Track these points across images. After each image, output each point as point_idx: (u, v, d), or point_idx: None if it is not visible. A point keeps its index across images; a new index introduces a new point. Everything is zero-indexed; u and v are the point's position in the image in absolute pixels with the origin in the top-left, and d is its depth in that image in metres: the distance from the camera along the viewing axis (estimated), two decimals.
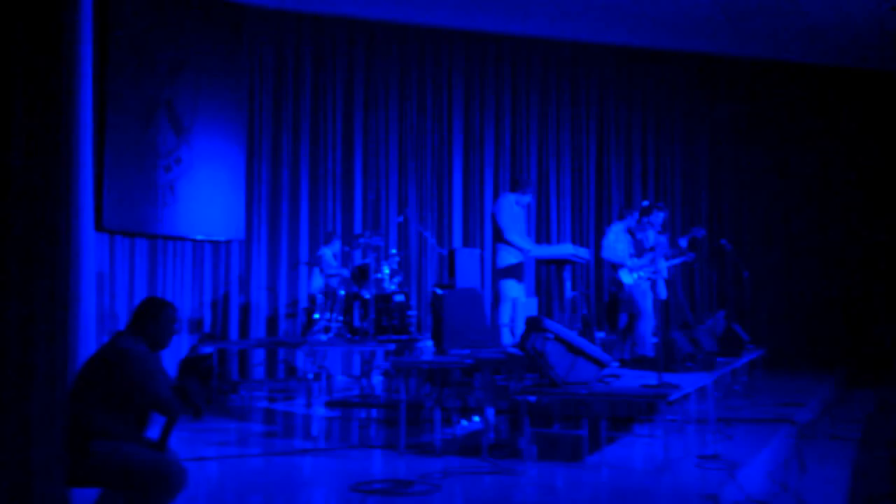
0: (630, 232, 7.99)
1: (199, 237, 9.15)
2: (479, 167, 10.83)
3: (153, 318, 3.48)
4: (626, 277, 7.78)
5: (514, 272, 7.03)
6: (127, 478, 3.28)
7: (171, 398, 3.37)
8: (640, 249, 7.93)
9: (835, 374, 9.91)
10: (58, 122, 2.96)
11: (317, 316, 8.17)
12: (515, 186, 7.48)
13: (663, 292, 8.03)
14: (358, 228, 9.97)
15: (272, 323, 9.81)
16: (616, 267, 7.90)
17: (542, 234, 11.05)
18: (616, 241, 7.86)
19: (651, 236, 8.08)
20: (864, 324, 11.31)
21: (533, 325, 5.10)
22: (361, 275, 8.20)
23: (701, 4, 9.83)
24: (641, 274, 7.79)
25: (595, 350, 5.24)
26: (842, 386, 9.52)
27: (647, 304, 7.76)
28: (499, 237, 7.17)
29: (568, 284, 7.05)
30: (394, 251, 8.89)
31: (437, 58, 10.68)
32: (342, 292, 8.31)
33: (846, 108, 12.04)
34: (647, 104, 11.56)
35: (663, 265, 7.96)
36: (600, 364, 5.20)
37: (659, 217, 8.16)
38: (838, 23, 10.32)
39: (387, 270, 8.28)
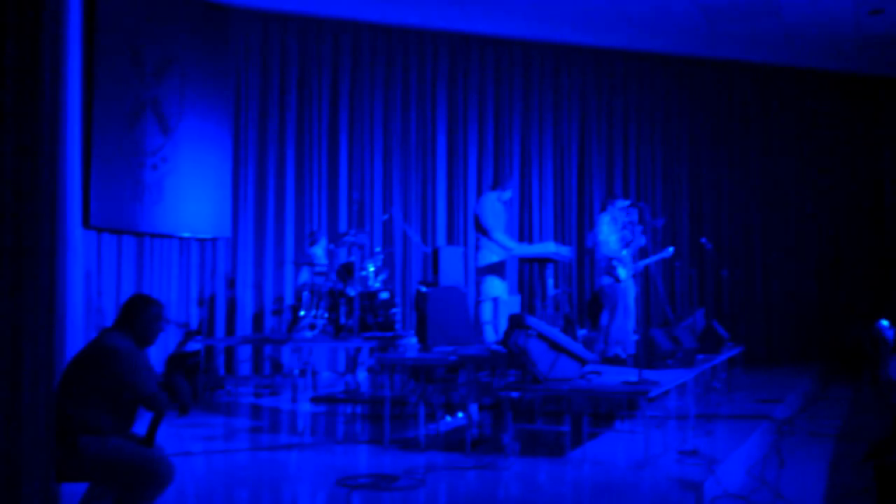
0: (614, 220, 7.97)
1: (185, 234, 9.16)
2: (463, 166, 10.88)
3: (140, 315, 3.52)
4: (622, 272, 7.77)
5: (497, 270, 7.11)
6: (115, 472, 3.32)
7: (158, 393, 3.40)
8: (625, 243, 7.98)
9: (812, 370, 10.05)
10: (43, 120, 2.99)
11: (302, 313, 8.20)
12: (496, 184, 7.57)
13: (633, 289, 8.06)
14: (343, 227, 9.99)
15: (258, 320, 9.82)
16: (611, 263, 7.82)
17: (524, 233, 11.11)
18: (609, 235, 7.85)
19: (636, 233, 8.13)
20: (842, 321, 11.47)
21: (516, 322, 5.17)
22: (346, 272, 8.24)
23: (680, 7, 9.92)
24: (630, 269, 7.83)
25: (577, 347, 5.32)
26: (819, 382, 9.64)
27: (631, 301, 7.84)
28: (482, 235, 7.24)
29: (550, 282, 7.14)
30: (378, 249, 8.93)
31: (421, 59, 10.71)
32: (327, 289, 8.34)
33: (824, 109, 12.18)
34: (628, 105, 11.64)
35: (640, 262, 8.01)
36: (582, 361, 5.28)
37: (634, 214, 8.22)
38: (817, 25, 10.44)
39: (371, 268, 8.30)
